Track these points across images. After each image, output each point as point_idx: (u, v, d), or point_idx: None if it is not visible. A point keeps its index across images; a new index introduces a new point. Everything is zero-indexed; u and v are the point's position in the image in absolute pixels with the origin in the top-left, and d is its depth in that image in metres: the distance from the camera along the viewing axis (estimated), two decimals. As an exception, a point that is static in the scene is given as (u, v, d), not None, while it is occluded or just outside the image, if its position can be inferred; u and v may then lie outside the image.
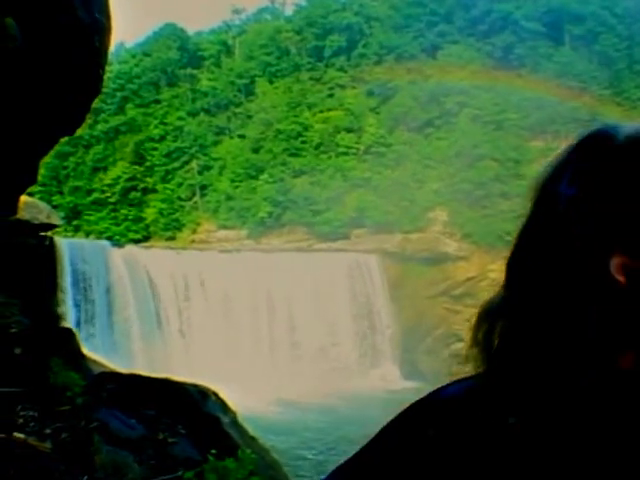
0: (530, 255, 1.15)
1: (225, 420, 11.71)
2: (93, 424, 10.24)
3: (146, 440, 10.46)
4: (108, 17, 14.56)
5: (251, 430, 12.84)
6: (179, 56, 77.93)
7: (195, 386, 12.79)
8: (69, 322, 33.57)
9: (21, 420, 10.13)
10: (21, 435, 9.34)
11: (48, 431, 9.85)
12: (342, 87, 68.40)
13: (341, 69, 70.06)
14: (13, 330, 17.91)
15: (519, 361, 1.12)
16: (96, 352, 32.42)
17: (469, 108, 59.55)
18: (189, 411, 11.70)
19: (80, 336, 34.16)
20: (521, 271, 1.16)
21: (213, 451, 8.74)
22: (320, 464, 28.46)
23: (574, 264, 1.06)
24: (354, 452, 1.31)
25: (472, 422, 1.14)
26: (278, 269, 46.43)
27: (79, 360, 14.39)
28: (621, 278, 1.03)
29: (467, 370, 1.26)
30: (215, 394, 12.75)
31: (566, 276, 1.06)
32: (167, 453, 10.24)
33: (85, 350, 23.40)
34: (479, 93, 60.36)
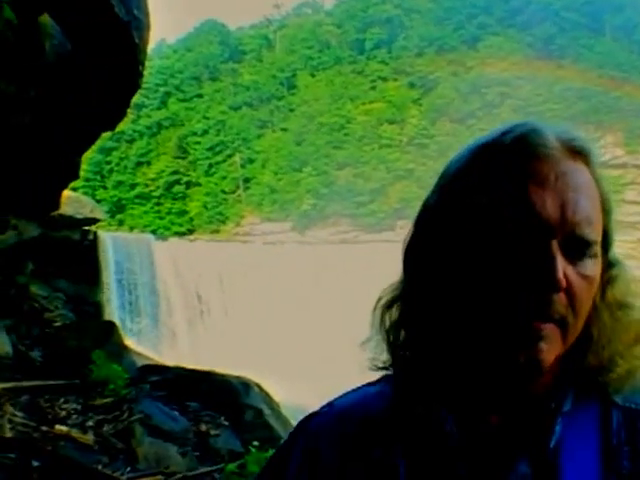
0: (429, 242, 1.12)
1: (268, 412, 11.65)
2: (136, 416, 10.18)
3: (189, 432, 10.44)
4: (147, 14, 14.60)
5: (294, 422, 12.80)
6: (220, 51, 78.39)
7: (238, 378, 12.77)
8: (113, 315, 33.71)
9: (64, 413, 10.14)
10: (63, 427, 9.32)
11: (90, 423, 9.85)
12: (384, 79, 68.42)
13: (382, 61, 70.08)
14: (57, 323, 18.56)
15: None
16: (140, 345, 32.64)
17: (511, 99, 59.34)
18: (232, 403, 11.69)
19: (124, 329, 34.44)
20: (418, 258, 1.14)
21: (255, 443, 8.80)
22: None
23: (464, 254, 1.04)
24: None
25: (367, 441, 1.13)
26: (323, 261, 46.44)
27: (122, 353, 14.25)
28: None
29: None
30: (258, 385, 12.74)
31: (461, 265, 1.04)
32: (210, 445, 10.22)
33: (129, 343, 23.56)
34: (521, 84, 60.07)
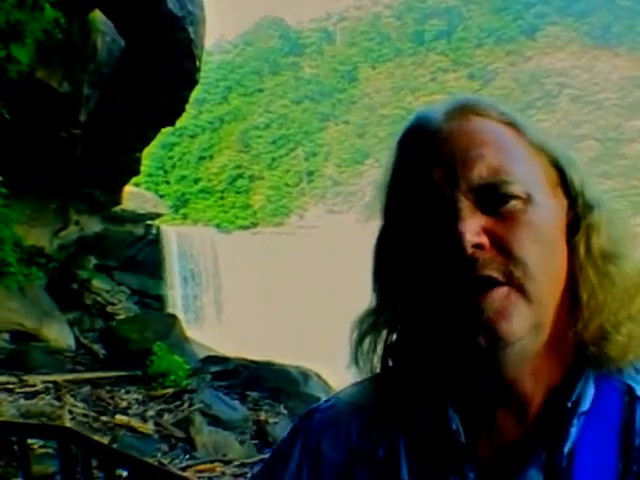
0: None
1: None
2: (196, 406, 10.39)
3: (248, 421, 10.58)
4: (201, 8, 14.78)
5: None
6: (281, 45, 78.93)
7: (297, 368, 13.02)
8: (176, 307, 33.99)
9: (124, 403, 10.40)
10: (124, 417, 9.56)
11: (151, 413, 10.09)
12: (444, 71, 68.47)
13: (442, 53, 70.09)
14: (120, 317, 18.98)
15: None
16: (203, 337, 33.13)
17: (569, 89, 58.91)
18: (291, 392, 11.89)
19: (187, 321, 34.84)
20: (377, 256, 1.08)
21: None
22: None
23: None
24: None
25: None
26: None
27: (184, 345, 14.26)
28: None
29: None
30: (317, 375, 13.00)
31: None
32: (268, 433, 10.31)
33: (192, 335, 23.92)
34: (578, 73, 59.68)
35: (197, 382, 11.89)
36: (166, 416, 10.06)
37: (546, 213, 0.94)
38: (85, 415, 9.35)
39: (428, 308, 0.94)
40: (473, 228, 0.89)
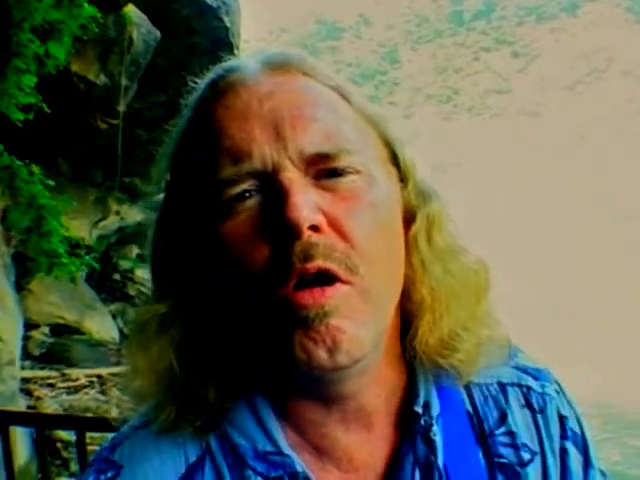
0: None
1: None
2: None
3: None
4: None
5: None
6: (317, 29, 78.98)
7: None
8: None
9: None
10: None
11: None
12: (486, 50, 68.02)
13: (483, 32, 69.50)
14: None
15: None
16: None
17: (617, 63, 58.52)
18: None
19: None
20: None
21: None
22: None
23: None
24: None
25: None
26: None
27: None
28: None
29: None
30: None
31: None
32: None
33: None
34: (624, 48, 59.27)
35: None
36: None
37: (386, 194, 0.77)
38: (132, 409, 9.19)
39: (236, 309, 0.76)
40: (308, 204, 0.70)
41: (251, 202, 0.72)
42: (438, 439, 0.80)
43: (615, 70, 58.01)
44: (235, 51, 15.10)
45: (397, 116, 63.22)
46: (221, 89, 0.79)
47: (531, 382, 0.87)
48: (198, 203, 0.74)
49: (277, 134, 0.73)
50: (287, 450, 0.79)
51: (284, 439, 0.79)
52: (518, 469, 0.83)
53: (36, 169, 8.53)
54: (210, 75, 0.83)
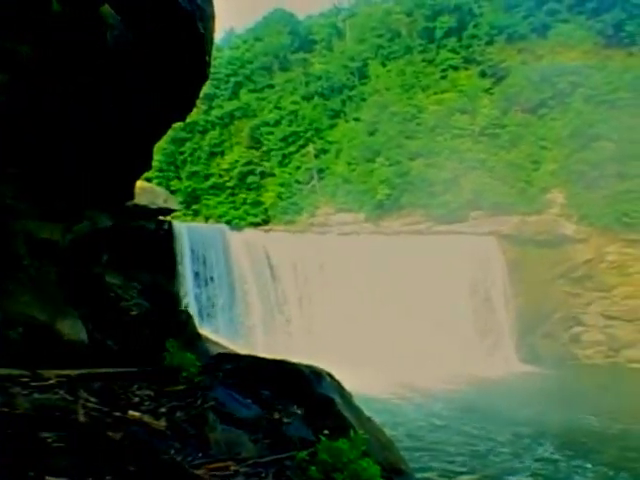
0: None
1: (339, 401, 11.60)
2: (209, 403, 10.35)
3: (261, 420, 10.48)
4: (211, 3, 14.57)
5: (366, 411, 12.50)
6: (290, 40, 79.22)
7: (309, 367, 12.78)
8: (188, 304, 34.40)
9: (137, 399, 10.42)
10: (136, 413, 9.49)
11: (163, 410, 10.02)
12: (455, 68, 68.43)
13: (453, 50, 69.94)
14: (133, 312, 18.68)
15: None
16: (216, 334, 33.52)
17: (582, 88, 58.84)
18: (304, 391, 11.72)
19: (199, 317, 35.16)
20: None
21: (325, 432, 8.63)
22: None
23: None
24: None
25: None
26: (397, 252, 46.86)
27: (196, 341, 14.64)
28: None
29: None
30: (330, 375, 12.73)
31: None
32: (281, 433, 10.19)
33: (205, 332, 24.01)
34: (591, 72, 59.58)
35: (210, 379, 11.94)
36: (179, 413, 10.09)
37: None
38: (98, 410, 9.43)
39: None
40: None
41: None
42: None
43: (579, 94, 58.64)
44: (207, 58, 15.14)
45: (361, 132, 63.54)
46: None
47: None
48: None
49: None
50: None
51: None
52: None
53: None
54: None
